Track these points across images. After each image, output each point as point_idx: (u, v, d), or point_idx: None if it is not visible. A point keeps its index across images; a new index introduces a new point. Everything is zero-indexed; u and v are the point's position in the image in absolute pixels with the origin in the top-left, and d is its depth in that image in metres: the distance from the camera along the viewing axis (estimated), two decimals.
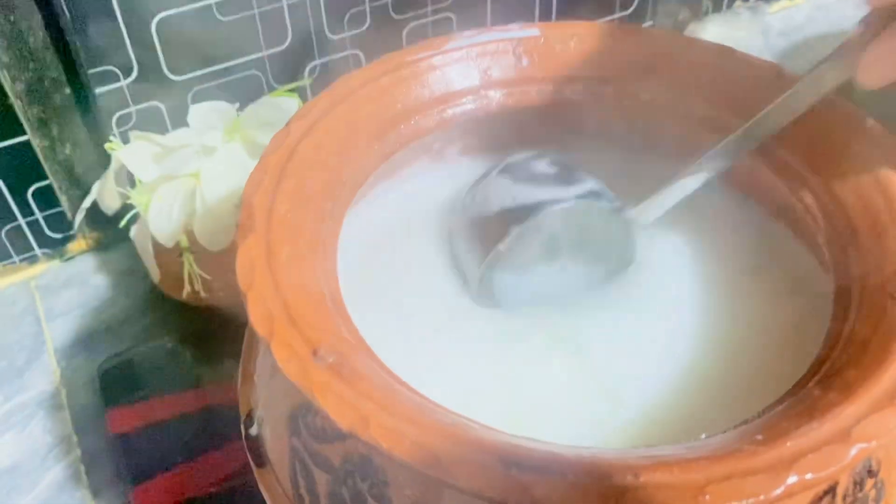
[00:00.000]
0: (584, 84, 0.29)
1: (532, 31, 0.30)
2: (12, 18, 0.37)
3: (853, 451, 0.18)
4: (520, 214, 0.27)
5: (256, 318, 0.21)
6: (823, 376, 0.20)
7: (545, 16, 0.51)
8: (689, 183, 0.27)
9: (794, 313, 0.27)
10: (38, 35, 0.38)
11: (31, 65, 0.38)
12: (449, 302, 0.28)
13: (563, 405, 0.24)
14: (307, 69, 0.45)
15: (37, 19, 0.37)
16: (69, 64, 0.39)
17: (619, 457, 0.18)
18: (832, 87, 0.24)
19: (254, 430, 0.25)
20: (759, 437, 0.18)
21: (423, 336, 0.26)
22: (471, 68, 0.29)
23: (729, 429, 0.20)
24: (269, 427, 0.24)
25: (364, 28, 0.45)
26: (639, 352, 0.26)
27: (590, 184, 0.28)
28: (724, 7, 0.60)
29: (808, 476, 0.17)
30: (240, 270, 0.22)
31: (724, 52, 0.29)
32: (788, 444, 0.18)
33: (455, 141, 0.31)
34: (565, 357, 0.26)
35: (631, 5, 0.53)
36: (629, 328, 0.26)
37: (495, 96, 0.30)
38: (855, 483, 0.21)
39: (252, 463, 0.25)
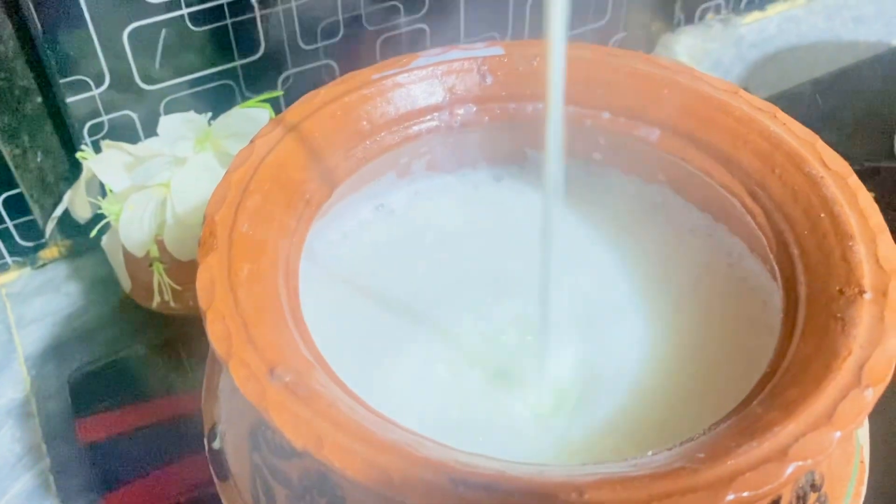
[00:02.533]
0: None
1: (496, 49, 0.30)
2: None
3: (790, 470, 0.18)
4: None
5: (215, 337, 0.21)
6: (767, 395, 0.21)
7: (518, 27, 0.51)
8: None
9: (750, 331, 0.27)
10: (8, 44, 0.38)
11: (2, 73, 0.38)
12: (408, 317, 0.28)
13: (514, 425, 0.25)
14: (280, 79, 0.45)
15: (7, 28, 0.37)
16: (40, 73, 0.39)
17: (566, 475, 0.19)
18: None
19: (216, 444, 0.25)
20: (702, 455, 0.19)
21: (382, 350, 0.27)
22: (436, 86, 0.30)
23: (674, 446, 0.20)
24: (230, 441, 0.25)
25: (337, 38, 0.45)
26: (587, 363, 0.26)
27: None
28: (697, 19, 0.61)
29: (746, 494, 0.18)
30: (200, 289, 0.22)
31: (682, 71, 0.30)
32: (728, 462, 0.19)
33: (421, 156, 0.31)
34: (512, 385, 0.26)
35: (603, 17, 0.53)
36: (574, 338, 0.27)
37: (460, 113, 0.30)
38: (798, 497, 0.22)
39: (214, 476, 0.25)
